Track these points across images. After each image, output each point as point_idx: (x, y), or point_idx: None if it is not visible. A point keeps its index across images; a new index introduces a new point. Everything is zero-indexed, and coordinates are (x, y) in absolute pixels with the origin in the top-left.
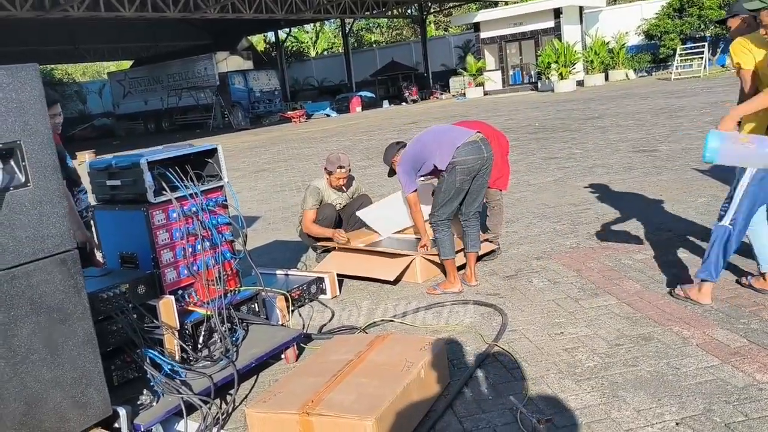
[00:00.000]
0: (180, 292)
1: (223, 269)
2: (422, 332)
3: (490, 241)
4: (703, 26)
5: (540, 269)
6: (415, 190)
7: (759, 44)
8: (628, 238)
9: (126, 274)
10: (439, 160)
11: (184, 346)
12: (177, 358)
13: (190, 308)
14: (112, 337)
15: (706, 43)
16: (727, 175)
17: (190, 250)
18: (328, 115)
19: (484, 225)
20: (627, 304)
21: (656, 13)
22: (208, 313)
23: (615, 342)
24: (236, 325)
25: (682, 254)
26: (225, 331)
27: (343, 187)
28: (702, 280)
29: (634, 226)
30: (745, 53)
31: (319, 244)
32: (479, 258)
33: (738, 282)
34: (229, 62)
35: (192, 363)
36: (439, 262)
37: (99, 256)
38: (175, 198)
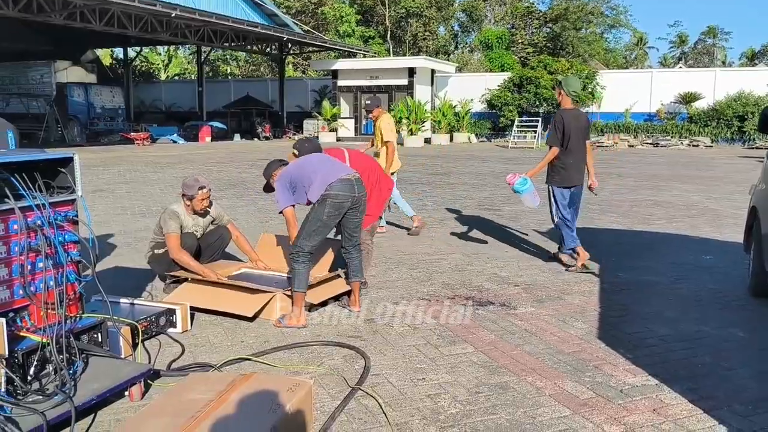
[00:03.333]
0: (11, 314)
1: (66, 292)
2: (282, 373)
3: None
4: (538, 103)
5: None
6: (292, 206)
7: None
8: (480, 289)
9: None
10: (311, 191)
11: (12, 376)
12: (3, 390)
13: (22, 334)
14: None
15: (539, 119)
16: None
17: (29, 267)
18: (174, 142)
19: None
20: (483, 352)
21: (499, 86)
22: (44, 340)
23: (475, 390)
24: (75, 356)
25: (531, 307)
26: (62, 361)
27: (208, 209)
28: (571, 249)
29: (485, 279)
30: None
31: (169, 273)
32: (339, 296)
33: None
34: (69, 73)
35: (20, 397)
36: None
37: None
38: (19, 207)
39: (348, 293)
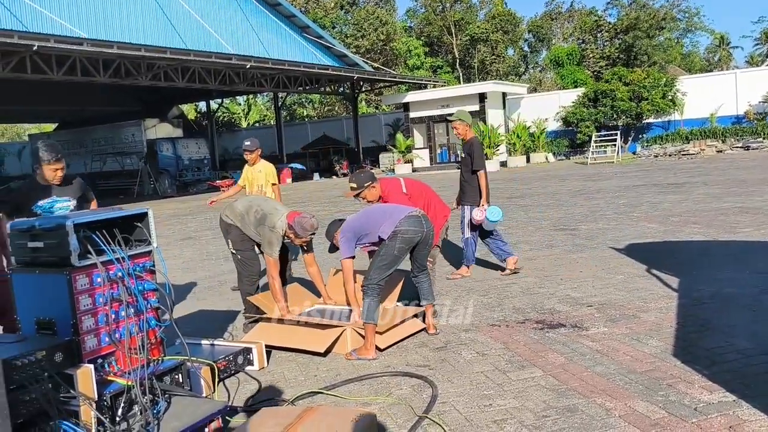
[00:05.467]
0: (100, 360)
1: (147, 337)
2: (351, 404)
3: (417, 316)
4: (615, 116)
5: (469, 341)
6: (352, 257)
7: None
8: (552, 311)
9: (43, 341)
10: (382, 230)
11: (101, 417)
12: (93, 431)
13: (109, 378)
14: (24, 408)
15: (618, 132)
16: (641, 254)
17: (113, 316)
18: None
19: (416, 296)
20: (552, 376)
21: (573, 102)
22: (129, 383)
23: (542, 414)
24: (158, 397)
25: (603, 327)
26: (146, 402)
27: (305, 246)
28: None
29: (557, 301)
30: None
31: (246, 315)
32: (412, 334)
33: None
34: (158, 129)
35: None
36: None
37: None
38: (101, 262)
39: (423, 330)
